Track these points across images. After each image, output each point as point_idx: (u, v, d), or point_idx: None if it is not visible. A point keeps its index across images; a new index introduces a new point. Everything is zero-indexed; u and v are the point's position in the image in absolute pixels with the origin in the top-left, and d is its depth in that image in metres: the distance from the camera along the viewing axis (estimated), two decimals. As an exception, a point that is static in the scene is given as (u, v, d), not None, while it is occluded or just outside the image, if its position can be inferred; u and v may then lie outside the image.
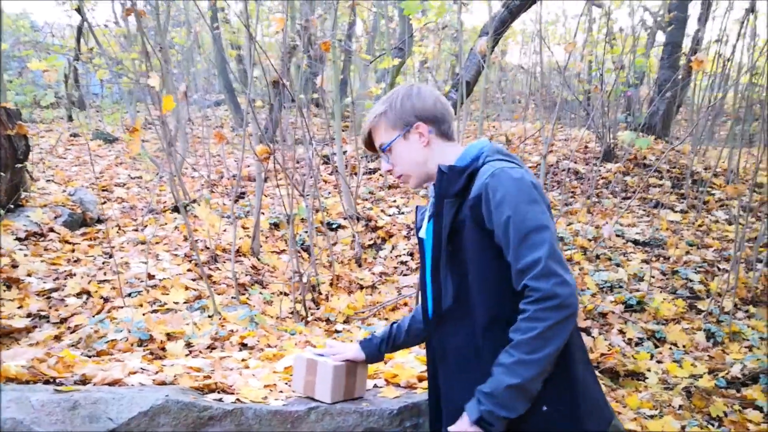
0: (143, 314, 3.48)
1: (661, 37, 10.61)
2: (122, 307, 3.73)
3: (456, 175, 1.60)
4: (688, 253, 5.42)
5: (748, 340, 4.21)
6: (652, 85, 10.22)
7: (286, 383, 2.26)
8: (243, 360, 2.72)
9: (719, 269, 5.20)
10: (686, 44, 9.06)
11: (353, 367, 2.11)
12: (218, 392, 2.15)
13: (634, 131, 6.02)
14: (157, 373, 2.27)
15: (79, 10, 11.00)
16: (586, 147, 8.01)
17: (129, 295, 3.97)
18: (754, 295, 4.74)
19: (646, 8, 9.06)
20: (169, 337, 3.11)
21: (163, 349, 2.96)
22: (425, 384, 2.05)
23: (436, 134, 1.71)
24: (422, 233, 1.77)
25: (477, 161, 1.62)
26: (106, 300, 3.94)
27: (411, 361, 2.51)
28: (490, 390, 1.47)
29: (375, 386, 2.28)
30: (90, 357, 2.73)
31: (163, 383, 2.17)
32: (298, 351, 2.51)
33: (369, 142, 1.79)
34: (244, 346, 3.13)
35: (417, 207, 1.89)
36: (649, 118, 7.81)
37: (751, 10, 6.68)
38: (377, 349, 2.03)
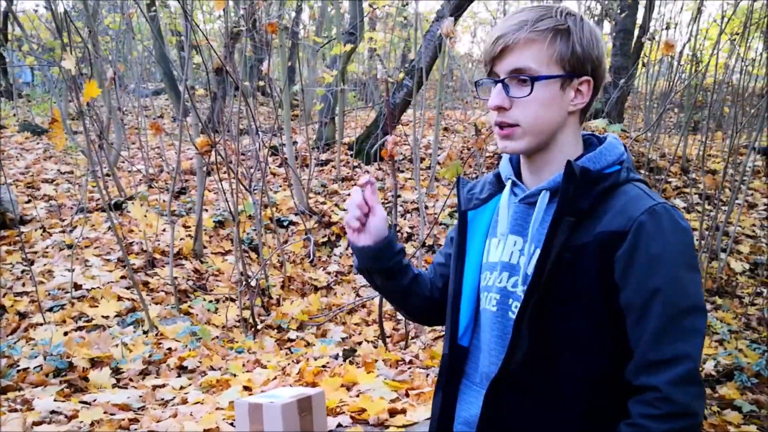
0: (65, 333, 3.04)
1: (607, 26, 10.58)
2: (41, 325, 3.27)
3: (589, 183, 1.09)
4: (651, 244, 5.29)
5: (718, 333, 4.08)
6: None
7: (231, 423, 1.90)
8: (181, 388, 2.35)
9: (684, 260, 5.09)
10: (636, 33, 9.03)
11: (306, 402, 1.76)
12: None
13: (593, 119, 5.86)
14: (71, 419, 1.86)
15: (3, -7, 10.19)
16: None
17: (50, 309, 3.50)
18: (720, 285, 4.63)
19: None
20: (94, 363, 2.68)
21: (86, 378, 2.53)
22: (399, 419, 1.72)
23: (587, 105, 1.17)
24: (502, 229, 1.21)
25: (618, 172, 1.13)
26: (22, 316, 3.46)
27: (380, 388, 2.16)
28: None
29: (339, 425, 1.93)
30: (-6, 393, 2.30)
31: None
32: (238, 395, 2.12)
33: (503, 53, 1.12)
34: (183, 369, 2.74)
35: (459, 179, 1.33)
36: (604, 105, 7.69)
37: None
38: (395, 254, 1.31)
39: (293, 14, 10.23)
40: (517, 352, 1.12)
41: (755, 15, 7.19)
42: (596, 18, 12.10)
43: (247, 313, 3.84)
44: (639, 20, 8.99)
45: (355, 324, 4.06)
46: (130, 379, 2.56)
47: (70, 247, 4.42)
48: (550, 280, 1.09)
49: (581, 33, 1.11)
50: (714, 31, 8.65)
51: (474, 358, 1.25)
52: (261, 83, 8.87)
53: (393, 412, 2.01)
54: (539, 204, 1.14)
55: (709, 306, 4.47)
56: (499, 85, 1.12)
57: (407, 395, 2.35)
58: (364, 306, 4.32)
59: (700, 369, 3.61)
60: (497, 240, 1.22)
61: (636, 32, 8.91)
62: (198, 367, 2.76)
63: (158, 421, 1.84)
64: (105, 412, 1.92)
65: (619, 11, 8.42)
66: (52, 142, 3.41)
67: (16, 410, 1.89)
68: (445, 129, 8.41)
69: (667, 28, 9.36)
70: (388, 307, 3.88)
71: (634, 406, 1.03)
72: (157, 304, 3.79)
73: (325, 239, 5.25)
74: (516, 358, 1.12)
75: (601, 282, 1.06)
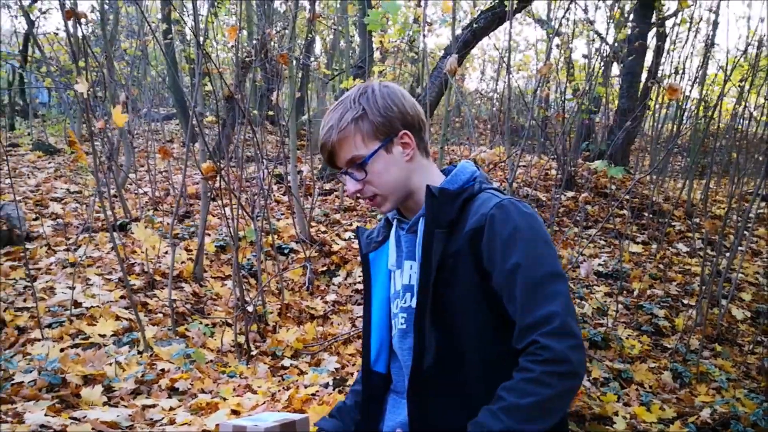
0: (61, 350, 3.06)
1: (615, 68, 10.72)
2: (39, 340, 3.30)
3: (449, 199, 1.30)
4: (651, 286, 5.27)
5: (716, 381, 4.04)
6: (609, 113, 10.27)
7: (216, 445, 1.91)
8: (171, 409, 2.36)
9: (683, 304, 5.07)
10: (644, 76, 9.14)
11: (291, 427, 1.77)
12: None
13: (596, 159, 5.91)
14: (59, 433, 1.89)
15: (26, 16, 10.46)
16: (546, 174, 7.89)
17: (49, 325, 3.53)
18: (720, 332, 4.60)
19: (603, 38, 9.08)
20: (87, 380, 2.70)
21: (78, 395, 2.55)
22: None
23: (418, 147, 1.38)
24: (392, 264, 1.43)
25: (472, 186, 1.34)
26: (21, 331, 3.49)
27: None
28: None
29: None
30: (-14, 406, 2.32)
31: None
32: (225, 418, 2.13)
33: (332, 155, 1.37)
34: (174, 390, 2.75)
35: (359, 229, 1.57)
36: (610, 147, 7.76)
37: (712, 44, 6.72)
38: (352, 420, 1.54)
39: (304, 45, 10.43)
40: (425, 354, 1.29)
41: (763, 62, 7.30)
42: (605, 60, 12.27)
43: (242, 339, 3.85)
44: (648, 63, 9.12)
45: (350, 354, 4.05)
46: (122, 398, 2.57)
47: (73, 265, 4.46)
48: (439, 285, 1.27)
49: (375, 106, 1.33)
50: (722, 77, 8.77)
51: (398, 376, 1.44)
52: (270, 112, 9.02)
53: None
54: (419, 228, 1.35)
55: (707, 353, 4.43)
56: (345, 175, 1.37)
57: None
58: (359, 336, 4.32)
59: (696, 417, 3.59)
60: (398, 271, 1.43)
61: (644, 75, 9.03)
62: (189, 389, 2.77)
63: (144, 441, 1.86)
64: (93, 429, 1.93)
65: (627, 54, 8.54)
66: (78, 161, 3.49)
67: (6, 422, 1.91)
68: (449, 164, 8.48)
69: (676, 72, 9.46)
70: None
71: (521, 361, 1.19)
72: (154, 325, 3.81)
73: (325, 268, 5.27)
74: (426, 360, 1.29)
75: (477, 273, 1.25)
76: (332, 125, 1.34)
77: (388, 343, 1.45)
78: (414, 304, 1.35)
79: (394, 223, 1.46)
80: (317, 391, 2.79)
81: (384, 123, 1.33)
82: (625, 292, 5.18)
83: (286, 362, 3.77)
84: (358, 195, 1.38)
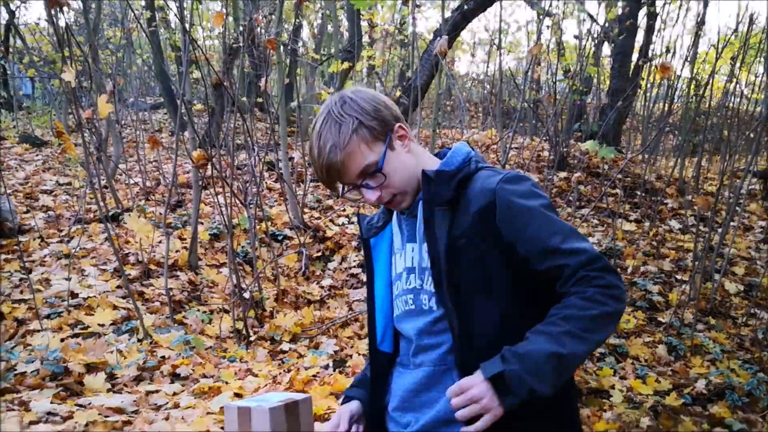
0: (61, 340, 3.06)
1: (606, 48, 10.71)
2: (38, 331, 3.29)
3: (446, 180, 1.33)
4: (645, 263, 5.32)
5: (710, 353, 4.10)
6: (600, 94, 10.29)
7: (221, 426, 1.92)
8: (174, 394, 2.37)
9: (677, 280, 5.12)
10: (635, 56, 9.13)
11: (294, 406, 1.78)
12: (139, 442, 1.80)
13: (588, 140, 5.93)
14: (66, 420, 1.89)
15: (6, 6, 10.30)
16: (539, 156, 7.91)
17: (47, 316, 3.52)
18: (713, 306, 4.66)
19: (593, 18, 9.07)
20: (89, 368, 2.70)
21: (81, 383, 2.55)
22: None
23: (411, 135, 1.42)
24: (397, 244, 1.45)
25: (468, 166, 1.37)
26: (20, 323, 3.48)
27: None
28: (524, 351, 1.18)
29: (327, 430, 1.96)
30: (-11, 396, 2.31)
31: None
32: (228, 400, 2.14)
33: (339, 174, 1.34)
34: (176, 376, 2.75)
35: (359, 215, 1.59)
36: (602, 127, 7.78)
37: (702, 22, 6.72)
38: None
39: (292, 30, 10.35)
40: (464, 328, 1.30)
41: (753, 39, 7.31)
42: (596, 41, 12.26)
43: (240, 325, 3.86)
44: (639, 43, 9.10)
45: (348, 337, 4.08)
46: (125, 385, 2.58)
47: (67, 256, 4.44)
48: (453, 265, 1.29)
49: (364, 110, 1.33)
50: (713, 55, 8.78)
51: (404, 350, 1.46)
52: (259, 99, 8.97)
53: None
54: (419, 212, 1.37)
55: (702, 326, 4.49)
56: (363, 189, 1.36)
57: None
58: (356, 320, 4.34)
59: (691, 388, 3.64)
60: (399, 254, 1.45)
61: (635, 55, 9.02)
62: (191, 374, 2.78)
63: (151, 423, 1.86)
64: (99, 414, 1.94)
65: (617, 34, 8.53)
66: (67, 153, 3.46)
67: (13, 410, 1.91)
68: (441, 147, 8.47)
69: (667, 51, 9.46)
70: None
71: (571, 290, 1.23)
72: (152, 313, 3.81)
73: (319, 254, 5.28)
74: (470, 331, 1.30)
75: (496, 247, 1.27)
76: (333, 144, 1.31)
77: (392, 323, 1.49)
78: (420, 283, 1.38)
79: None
80: (317, 372, 2.81)
81: (379, 123, 1.34)
82: (618, 269, 5.23)
83: (285, 346, 3.79)
84: (379, 201, 1.38)
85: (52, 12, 3.86)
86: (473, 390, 1.17)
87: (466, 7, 6.12)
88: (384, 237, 1.51)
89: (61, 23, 4.42)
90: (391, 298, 1.48)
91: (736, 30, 6.91)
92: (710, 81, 6.14)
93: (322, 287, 4.87)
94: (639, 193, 6.87)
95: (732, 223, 5.54)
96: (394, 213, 1.48)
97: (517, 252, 1.28)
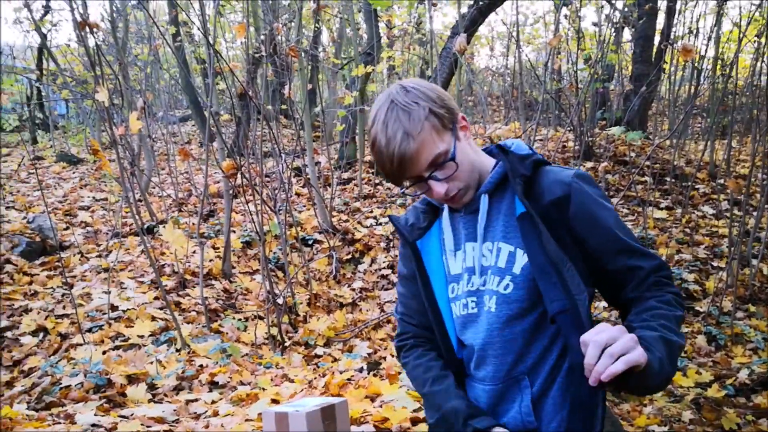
0: (103, 352, 3.16)
1: (627, 33, 10.54)
2: (81, 345, 3.41)
3: (521, 160, 1.31)
4: (678, 251, 5.24)
5: (752, 341, 4.01)
6: (623, 80, 10.13)
7: (260, 432, 1.98)
8: (213, 402, 2.44)
9: (713, 267, 5.03)
10: (656, 39, 8.98)
11: (330, 410, 1.82)
12: (181, 450, 1.87)
13: (614, 127, 5.85)
14: (110, 431, 1.97)
15: (38, 30, 10.61)
16: (564, 146, 7.84)
17: (89, 330, 3.65)
18: (752, 292, 4.56)
19: (612, 3, 8.93)
20: (131, 379, 2.80)
21: (123, 394, 2.65)
22: (421, 427, 1.78)
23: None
24: (449, 245, 1.36)
25: (535, 154, 1.34)
26: (63, 337, 3.61)
27: (402, 398, 2.22)
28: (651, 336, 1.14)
29: (362, 433, 2.00)
30: (38, 410, 2.41)
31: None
32: (266, 407, 2.20)
33: (411, 165, 1.24)
34: (214, 384, 2.83)
35: (392, 217, 1.46)
36: (627, 114, 7.67)
37: (724, 0, 6.58)
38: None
39: (311, 37, 10.44)
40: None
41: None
42: (615, 26, 12.08)
43: (275, 331, 3.93)
44: (660, 26, 8.94)
45: (381, 339, 4.11)
46: (165, 395, 2.66)
47: (106, 270, 4.58)
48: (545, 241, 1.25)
49: (431, 98, 1.25)
50: (737, 34, 8.58)
51: (468, 362, 1.36)
52: (283, 106, 9.05)
53: (415, 421, 2.06)
54: (482, 206, 1.31)
55: (741, 314, 4.41)
56: (431, 181, 1.27)
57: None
58: (389, 321, 4.38)
59: (734, 378, 3.57)
60: (452, 254, 1.36)
61: (657, 38, 8.86)
62: (228, 382, 2.85)
63: (191, 433, 1.93)
64: (142, 425, 2.02)
65: (637, 18, 8.39)
66: (102, 169, 3.58)
67: (59, 423, 2.00)
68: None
69: (690, 32, 9.27)
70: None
71: (645, 294, 1.25)
72: (188, 323, 3.91)
73: (349, 256, 5.33)
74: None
75: (569, 235, 1.26)
76: (405, 132, 1.21)
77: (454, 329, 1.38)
78: (483, 285, 1.31)
79: (445, 206, 1.39)
80: (352, 376, 2.85)
81: (447, 111, 1.26)
82: (652, 258, 5.15)
83: (319, 350, 3.85)
84: (445, 197, 1.28)
85: (82, 33, 3.99)
86: (613, 330, 1.06)
87: (481, 2, 6.10)
88: (431, 238, 1.41)
89: (91, 43, 4.56)
90: (448, 301, 1.37)
91: (759, 6, 6.74)
92: (736, 60, 6.00)
93: (353, 290, 4.92)
94: (669, 179, 6.76)
95: (767, 206, 5.41)
96: (445, 211, 1.38)
97: (586, 248, 1.26)
